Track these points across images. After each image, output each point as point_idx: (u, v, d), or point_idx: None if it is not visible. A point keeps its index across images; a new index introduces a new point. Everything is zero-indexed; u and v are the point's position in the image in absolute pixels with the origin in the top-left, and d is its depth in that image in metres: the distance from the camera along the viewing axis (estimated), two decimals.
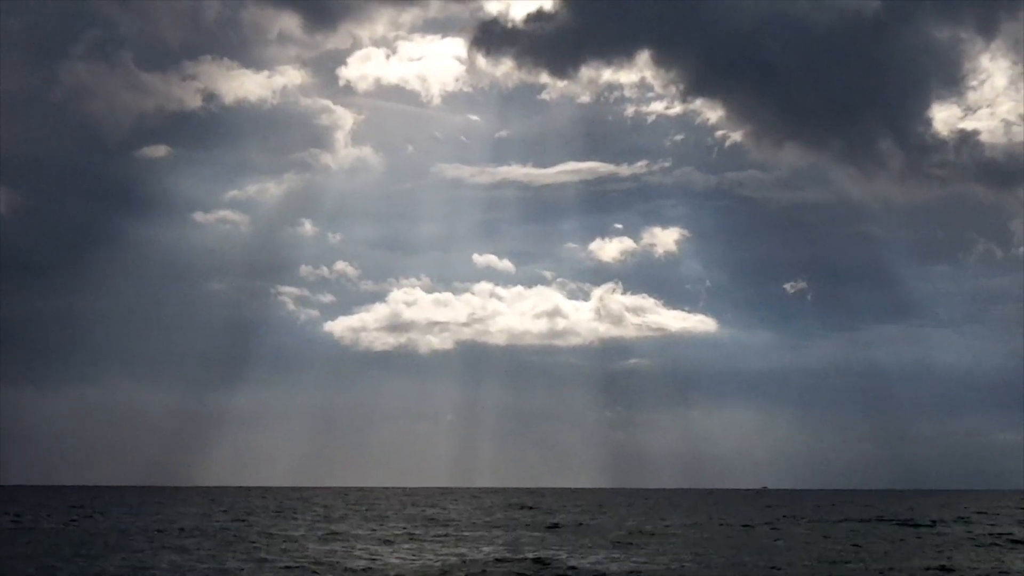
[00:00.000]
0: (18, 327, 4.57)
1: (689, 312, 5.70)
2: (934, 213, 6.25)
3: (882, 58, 5.28)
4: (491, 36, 5.91)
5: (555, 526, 1.67)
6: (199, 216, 5.44)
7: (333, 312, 6.02)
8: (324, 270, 5.46)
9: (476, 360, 5.45)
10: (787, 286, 5.79)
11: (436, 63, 7.01)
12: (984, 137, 5.99)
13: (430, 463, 6.30)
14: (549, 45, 5.55)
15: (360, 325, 5.41)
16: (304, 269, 5.38)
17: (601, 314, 5.76)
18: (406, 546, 1.21)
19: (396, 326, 5.62)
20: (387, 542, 1.27)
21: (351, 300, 6.51)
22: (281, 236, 5.47)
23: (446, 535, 1.42)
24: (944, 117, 6.29)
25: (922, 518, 1.99)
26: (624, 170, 6.10)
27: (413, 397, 6.06)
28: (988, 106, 5.98)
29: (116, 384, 5.22)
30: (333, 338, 5.39)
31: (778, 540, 1.32)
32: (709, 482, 5.78)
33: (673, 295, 6.50)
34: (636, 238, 6.04)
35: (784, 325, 6.16)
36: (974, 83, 5.82)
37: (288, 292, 5.32)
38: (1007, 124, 6.09)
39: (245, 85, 6.11)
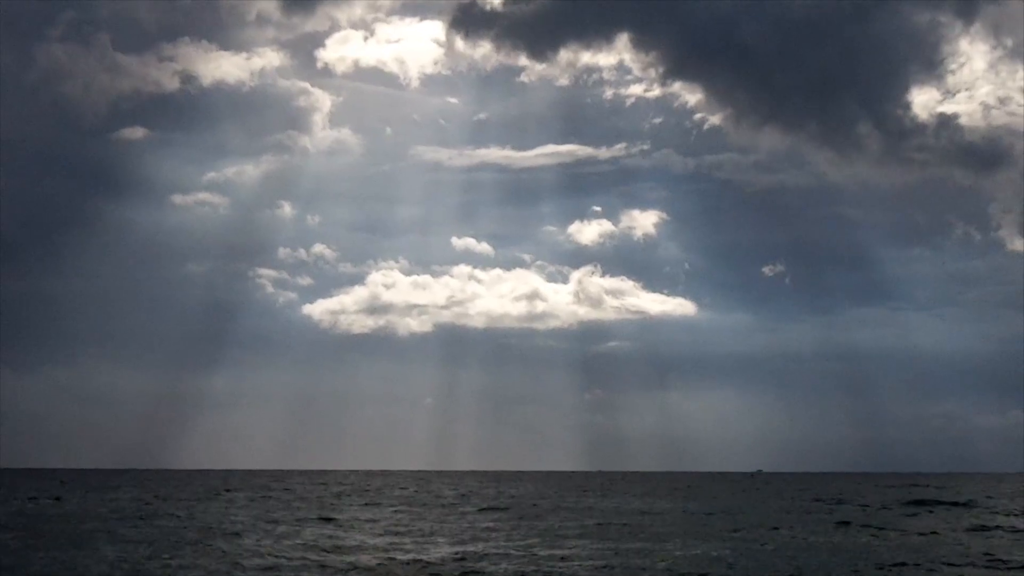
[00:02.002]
0: None
1: (668, 295, 5.45)
2: (913, 196, 5.95)
3: (861, 41, 5.00)
4: (470, 18, 5.63)
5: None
6: (177, 198, 5.16)
7: (311, 295, 5.74)
8: (302, 252, 5.18)
9: (455, 343, 5.18)
10: (765, 269, 5.54)
11: (414, 45, 6.71)
12: (963, 121, 5.70)
13: (409, 446, 5.99)
14: (528, 27, 5.25)
15: (339, 308, 5.15)
16: (283, 251, 5.11)
17: (580, 297, 5.50)
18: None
19: (375, 308, 5.36)
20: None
21: (329, 282, 6.26)
22: (259, 218, 5.19)
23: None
24: (923, 101, 6.06)
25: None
26: (603, 153, 5.86)
27: (392, 380, 5.79)
28: (967, 89, 5.71)
29: (93, 366, 4.93)
30: (312, 320, 5.12)
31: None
32: (691, 465, 5.51)
33: (652, 278, 6.29)
34: (615, 221, 5.80)
35: (762, 308, 5.91)
36: (953, 67, 5.53)
37: (266, 274, 5.05)
38: (986, 107, 5.81)
39: (223, 67, 5.80)
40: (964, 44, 5.81)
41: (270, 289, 5.01)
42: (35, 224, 5.11)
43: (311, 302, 5.25)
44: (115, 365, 5.02)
